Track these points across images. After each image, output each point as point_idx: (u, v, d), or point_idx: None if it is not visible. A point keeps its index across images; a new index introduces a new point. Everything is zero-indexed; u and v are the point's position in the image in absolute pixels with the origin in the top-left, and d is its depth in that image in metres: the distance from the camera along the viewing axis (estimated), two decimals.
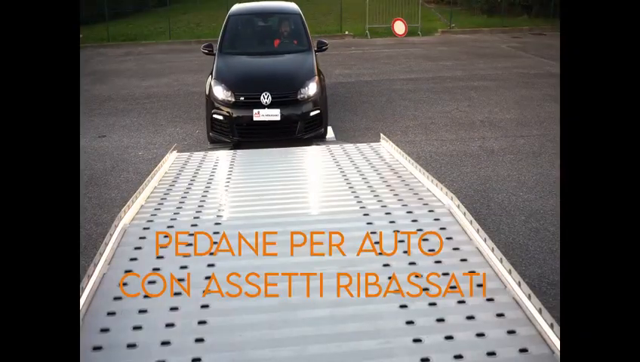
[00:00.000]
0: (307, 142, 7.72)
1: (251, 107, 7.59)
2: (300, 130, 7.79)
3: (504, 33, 19.61)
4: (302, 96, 7.83)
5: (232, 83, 7.89)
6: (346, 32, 19.62)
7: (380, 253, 2.58)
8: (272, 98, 7.62)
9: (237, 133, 7.71)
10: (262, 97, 7.59)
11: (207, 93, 8.07)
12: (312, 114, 7.86)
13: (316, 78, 8.12)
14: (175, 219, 3.03)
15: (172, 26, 20.50)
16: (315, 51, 8.82)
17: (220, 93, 7.81)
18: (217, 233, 2.85)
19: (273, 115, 7.58)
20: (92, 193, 6.25)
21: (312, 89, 7.92)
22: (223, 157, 4.20)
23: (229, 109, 7.68)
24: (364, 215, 3.04)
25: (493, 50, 15.83)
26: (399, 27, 19.20)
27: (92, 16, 20.59)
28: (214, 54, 8.67)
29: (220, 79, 7.98)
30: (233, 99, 7.70)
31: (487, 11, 22.62)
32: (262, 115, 7.56)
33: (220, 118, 7.75)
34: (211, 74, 8.17)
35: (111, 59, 16.11)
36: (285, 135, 7.74)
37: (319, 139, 8.05)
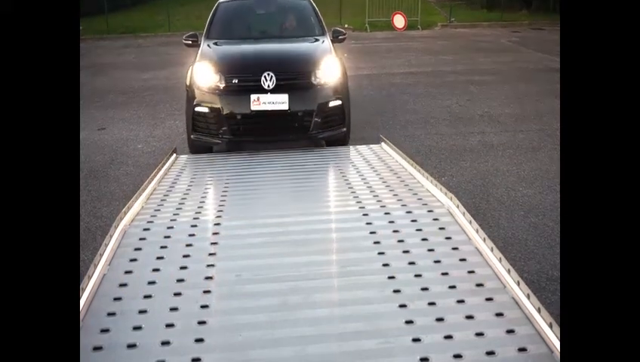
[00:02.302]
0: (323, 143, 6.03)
1: (248, 92, 5.61)
2: (315, 126, 5.76)
3: (504, 28, 19.57)
4: (318, 80, 5.85)
5: (222, 62, 5.98)
6: (346, 26, 19.54)
7: (380, 253, 2.60)
8: (277, 80, 5.63)
9: (229, 130, 5.68)
10: (263, 78, 5.61)
11: (187, 83, 6.13)
12: (331, 105, 5.86)
13: (336, 58, 6.19)
14: (175, 220, 3.04)
15: (171, 18, 20.41)
16: (331, 42, 6.87)
17: (206, 77, 5.82)
18: (217, 234, 2.86)
19: (279, 102, 5.59)
20: (91, 186, 6.24)
21: (330, 71, 5.96)
22: (222, 159, 4.20)
23: (217, 99, 5.70)
24: (364, 215, 3.06)
25: (492, 45, 15.80)
26: (399, 21, 19.15)
27: (91, 8, 20.50)
28: (199, 45, 6.75)
29: (206, 60, 6.03)
30: (224, 84, 5.71)
31: (487, 6, 22.60)
32: (263, 102, 5.58)
33: (206, 110, 5.74)
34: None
35: (110, 52, 16.06)
36: (295, 133, 5.79)
37: (339, 142, 6.02)
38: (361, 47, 15.84)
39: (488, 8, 22.47)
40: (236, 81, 5.73)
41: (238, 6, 7.63)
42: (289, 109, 5.64)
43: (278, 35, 7.23)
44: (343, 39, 7.16)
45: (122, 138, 8.06)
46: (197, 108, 5.81)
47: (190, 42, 6.93)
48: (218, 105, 5.69)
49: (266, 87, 5.63)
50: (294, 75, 5.81)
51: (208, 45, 6.53)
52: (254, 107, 5.60)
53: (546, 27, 19.27)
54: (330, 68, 5.99)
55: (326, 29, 7.08)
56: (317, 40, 6.71)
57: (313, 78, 5.85)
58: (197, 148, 6.03)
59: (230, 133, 5.71)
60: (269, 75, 5.63)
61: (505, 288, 2.29)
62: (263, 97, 5.60)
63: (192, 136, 5.96)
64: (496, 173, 6.33)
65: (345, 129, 6.06)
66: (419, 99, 9.84)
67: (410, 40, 17.07)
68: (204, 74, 5.86)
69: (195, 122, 5.87)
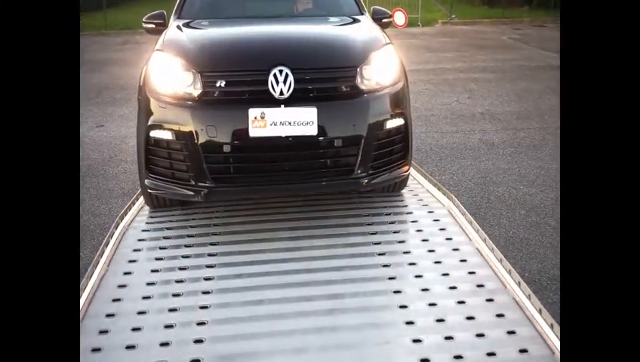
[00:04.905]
0: (374, 192, 3.67)
1: (245, 104, 3.15)
2: (362, 165, 3.24)
3: (505, 25, 19.57)
4: (367, 80, 3.36)
5: (199, 51, 3.48)
6: None
7: (381, 254, 2.60)
8: (297, 82, 3.20)
9: (209, 174, 3.16)
10: (272, 79, 3.17)
11: (140, 83, 3.62)
12: (389, 126, 3.38)
13: (392, 47, 3.71)
14: (174, 221, 3.04)
15: (170, 14, 20.38)
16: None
17: (170, 77, 3.33)
18: (216, 234, 2.86)
19: (301, 121, 3.12)
20: (90, 183, 6.23)
21: (387, 69, 3.51)
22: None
23: (189, 116, 3.18)
24: (365, 216, 3.06)
25: (493, 42, 15.80)
26: (399, 18, 19.06)
27: (89, 4, 20.48)
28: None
29: (172, 49, 3.51)
30: (200, 90, 3.22)
31: (488, 2, 22.59)
32: (272, 122, 3.11)
33: (168, 137, 3.25)
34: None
35: (108, 48, 16.05)
36: (329, 177, 3.24)
37: (396, 188, 3.75)
38: None
39: (489, 5, 22.46)
40: (223, 85, 3.22)
41: None
42: (318, 135, 3.15)
43: (291, 13, 4.66)
44: (388, 24, 4.55)
45: (121, 135, 8.05)
46: (154, 133, 3.30)
47: (153, 25, 4.40)
48: (190, 128, 3.16)
49: (276, 95, 3.17)
50: (327, 74, 3.35)
51: (178, 27, 4.00)
52: (255, 131, 3.11)
53: (548, 24, 19.26)
54: (386, 63, 3.52)
55: (364, 6, 4.69)
56: (355, 20, 4.24)
57: (359, 80, 3.33)
58: (157, 199, 3.58)
59: (212, 180, 3.16)
60: (282, 72, 3.18)
61: (506, 289, 2.29)
62: (271, 113, 3.12)
63: (146, 182, 3.41)
64: (497, 172, 6.33)
65: (408, 168, 3.58)
66: (419, 97, 9.83)
67: (411, 37, 17.06)
68: (166, 72, 3.37)
69: (151, 157, 3.36)
